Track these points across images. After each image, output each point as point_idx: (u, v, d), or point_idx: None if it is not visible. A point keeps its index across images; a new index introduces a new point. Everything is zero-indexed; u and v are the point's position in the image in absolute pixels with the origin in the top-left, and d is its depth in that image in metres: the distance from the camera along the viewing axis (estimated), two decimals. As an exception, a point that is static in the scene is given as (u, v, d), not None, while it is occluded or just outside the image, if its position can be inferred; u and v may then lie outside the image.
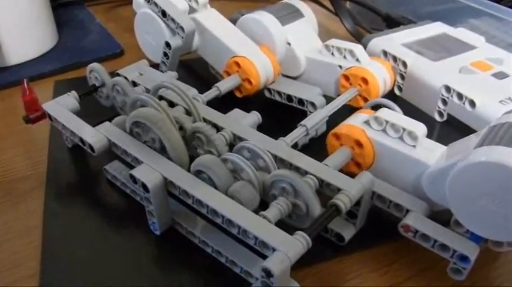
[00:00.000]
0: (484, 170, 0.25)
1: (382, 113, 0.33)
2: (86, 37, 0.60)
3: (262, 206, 0.29)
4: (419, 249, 0.31)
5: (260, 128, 0.36)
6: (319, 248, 0.32)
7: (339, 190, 0.29)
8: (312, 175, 0.30)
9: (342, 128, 0.34)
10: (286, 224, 0.29)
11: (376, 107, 0.36)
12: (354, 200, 0.29)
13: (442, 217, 0.30)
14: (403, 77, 0.44)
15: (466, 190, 0.27)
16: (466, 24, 0.54)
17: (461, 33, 0.49)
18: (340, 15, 0.55)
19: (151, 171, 0.30)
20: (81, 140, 0.34)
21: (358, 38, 0.52)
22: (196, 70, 0.52)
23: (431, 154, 0.31)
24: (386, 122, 0.32)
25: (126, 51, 0.58)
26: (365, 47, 0.46)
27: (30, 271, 0.31)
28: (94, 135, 0.34)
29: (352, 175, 0.30)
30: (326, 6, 0.62)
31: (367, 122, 0.33)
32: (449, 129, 0.41)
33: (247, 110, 0.39)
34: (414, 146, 0.32)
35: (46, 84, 0.51)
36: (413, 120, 0.33)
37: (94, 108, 0.40)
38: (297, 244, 0.25)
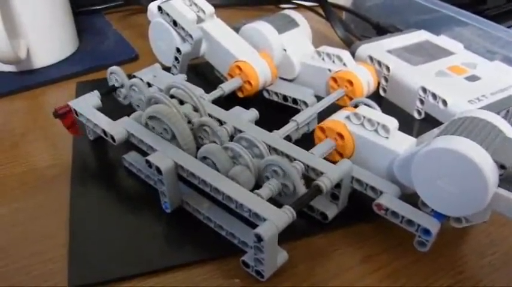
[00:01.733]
0: (441, 155, 0.30)
1: (361, 109, 0.38)
2: (104, 43, 0.64)
3: (257, 188, 0.34)
4: (392, 229, 0.35)
5: (258, 123, 0.40)
6: (306, 225, 0.37)
7: (321, 173, 0.34)
8: (299, 161, 0.35)
9: (327, 122, 0.39)
10: (277, 202, 0.33)
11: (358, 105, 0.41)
12: (334, 182, 0.34)
13: (412, 200, 0.34)
14: (386, 80, 0.49)
15: (427, 173, 0.31)
16: (451, 32, 0.58)
17: (441, 40, 0.53)
18: (332, 23, 0.60)
19: (164, 157, 0.35)
20: (104, 131, 0.39)
21: (348, 44, 0.57)
22: (203, 73, 0.56)
23: (401, 144, 0.36)
24: (364, 117, 0.37)
25: (140, 56, 0.62)
26: (354, 53, 0.51)
27: (60, 241, 0.35)
28: (115, 127, 0.38)
29: (335, 163, 0.35)
30: (323, 15, 0.67)
31: (348, 117, 0.38)
32: (427, 125, 0.45)
33: (247, 108, 0.43)
34: (387, 137, 0.36)
35: (69, 85, 0.56)
36: (387, 115, 0.37)
37: (113, 107, 0.44)
38: (283, 215, 0.30)
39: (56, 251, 0.35)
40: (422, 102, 0.46)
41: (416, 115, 0.47)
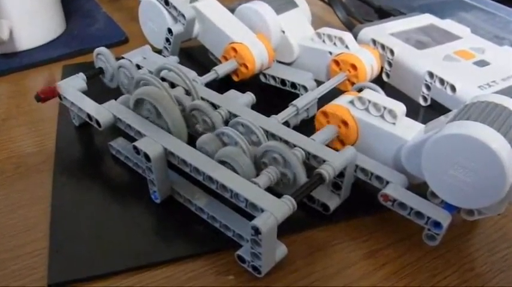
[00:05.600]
0: (454, 141, 0.28)
1: (366, 93, 0.35)
2: (92, 25, 0.62)
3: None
4: (398, 221, 0.33)
5: (254, 109, 0.38)
6: (306, 217, 0.34)
7: (324, 161, 0.32)
8: (300, 147, 0.33)
9: (329, 107, 0.36)
10: (274, 192, 0.31)
11: (361, 90, 0.39)
12: (337, 171, 0.31)
13: (421, 190, 0.32)
14: (390, 64, 0.47)
15: (438, 161, 0.29)
16: (455, 17, 0.56)
17: (447, 24, 0.51)
18: (333, 6, 0.57)
19: (152, 143, 0.32)
20: (89, 116, 0.36)
21: (350, 27, 0.55)
22: (195, 57, 0.54)
23: (409, 130, 0.33)
24: (369, 101, 0.35)
25: (130, 39, 0.59)
26: (356, 36, 0.49)
27: (40, 234, 0.33)
28: (100, 111, 0.36)
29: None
30: (323, -2, 0.65)
31: (351, 102, 0.36)
32: (433, 113, 0.44)
33: (243, 93, 0.40)
34: (394, 123, 0.34)
35: (54, 68, 0.53)
36: (394, 100, 0.35)
37: (100, 92, 0.41)
38: (283, 205, 0.28)
39: (36, 244, 0.32)
40: (428, 87, 0.44)
41: (421, 102, 0.45)
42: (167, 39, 0.48)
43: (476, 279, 0.31)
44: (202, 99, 0.37)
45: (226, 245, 0.32)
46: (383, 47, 0.47)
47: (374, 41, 0.48)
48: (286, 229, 0.29)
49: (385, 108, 0.34)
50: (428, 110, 0.45)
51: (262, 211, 0.28)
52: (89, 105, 0.37)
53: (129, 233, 0.33)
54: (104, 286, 0.30)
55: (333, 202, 0.34)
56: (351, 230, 0.34)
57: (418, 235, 0.32)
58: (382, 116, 0.34)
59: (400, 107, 0.34)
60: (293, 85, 0.44)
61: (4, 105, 0.48)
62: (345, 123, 0.35)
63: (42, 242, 0.32)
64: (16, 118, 0.45)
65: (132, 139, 0.35)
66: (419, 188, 0.32)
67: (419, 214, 0.31)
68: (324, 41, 0.46)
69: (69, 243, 0.32)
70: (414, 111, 0.44)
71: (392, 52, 0.46)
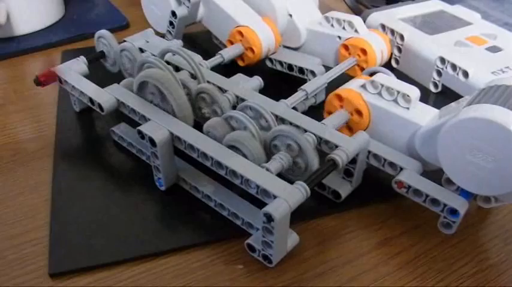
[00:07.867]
0: (473, 125, 0.27)
1: (378, 77, 0.34)
2: (92, 10, 0.61)
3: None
4: (411, 209, 0.32)
5: (262, 94, 0.37)
6: (317, 205, 0.33)
7: (336, 146, 0.30)
8: (311, 132, 0.31)
9: (340, 91, 0.35)
10: (284, 179, 0.30)
11: (372, 75, 0.38)
12: (351, 156, 0.30)
13: (434, 177, 0.31)
14: (400, 50, 0.46)
15: (455, 146, 0.28)
16: (464, 4, 0.55)
17: (457, 10, 0.50)
18: (340, -10, 0.56)
19: (158, 127, 0.31)
20: (91, 100, 0.35)
21: (358, 13, 0.53)
22: (199, 43, 0.53)
23: (423, 115, 0.32)
24: (382, 85, 0.34)
25: (132, 24, 0.58)
26: (364, 21, 0.47)
27: (40, 221, 0.32)
28: (103, 95, 0.35)
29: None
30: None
31: (363, 86, 0.35)
32: (444, 99, 0.43)
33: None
34: (408, 108, 0.33)
35: (53, 53, 0.52)
36: (407, 84, 0.34)
37: (101, 78, 0.40)
38: (296, 192, 0.27)
39: (36, 232, 0.31)
40: (439, 73, 0.43)
41: (432, 88, 0.44)
42: (171, 23, 0.47)
43: (492, 269, 0.30)
44: (209, 83, 0.36)
45: (234, 234, 0.31)
46: (392, 32, 0.46)
47: (383, 26, 0.46)
48: (296, 216, 0.28)
49: (398, 92, 0.33)
50: (439, 97, 0.44)
51: (275, 197, 0.27)
52: (91, 89, 0.36)
53: (132, 221, 0.32)
54: (107, 275, 0.29)
55: (345, 189, 0.33)
56: (363, 218, 0.33)
57: (431, 223, 0.31)
58: (395, 101, 0.33)
59: (414, 92, 0.33)
60: (301, 70, 0.43)
61: (1, 90, 0.46)
62: (356, 108, 0.34)
63: (42, 231, 0.31)
64: (15, 103, 0.44)
65: (135, 125, 0.34)
66: (434, 174, 0.31)
67: (435, 201, 0.30)
68: (332, 25, 0.44)
69: (70, 231, 0.31)
70: (425, 97, 0.43)
71: (402, 37, 0.45)
